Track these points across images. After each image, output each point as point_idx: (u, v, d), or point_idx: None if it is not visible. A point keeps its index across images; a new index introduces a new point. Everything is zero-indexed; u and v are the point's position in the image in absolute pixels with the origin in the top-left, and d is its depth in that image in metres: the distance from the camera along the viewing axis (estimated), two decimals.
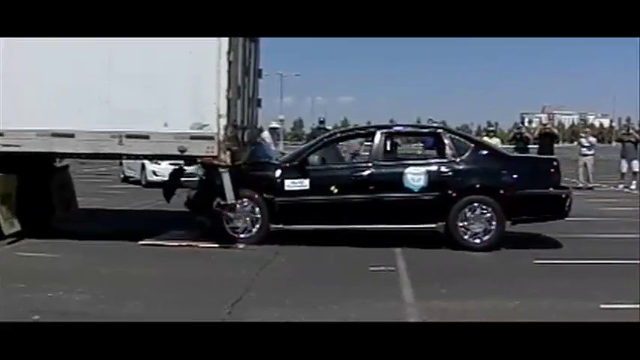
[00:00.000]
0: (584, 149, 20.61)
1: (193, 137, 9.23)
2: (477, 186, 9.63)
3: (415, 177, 9.63)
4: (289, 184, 9.72)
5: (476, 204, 9.51)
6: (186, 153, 9.33)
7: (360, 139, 14.22)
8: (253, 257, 8.74)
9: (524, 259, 8.90)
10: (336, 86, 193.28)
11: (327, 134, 11.30)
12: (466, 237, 9.49)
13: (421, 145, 10.23)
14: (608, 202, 16.28)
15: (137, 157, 10.06)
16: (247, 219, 9.68)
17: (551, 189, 9.74)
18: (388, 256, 8.98)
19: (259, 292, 7.01)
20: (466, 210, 9.49)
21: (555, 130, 23.56)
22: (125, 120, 9.18)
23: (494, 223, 9.46)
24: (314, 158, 10.27)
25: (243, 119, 10.42)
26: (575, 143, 25.84)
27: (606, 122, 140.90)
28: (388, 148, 10.10)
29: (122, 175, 20.55)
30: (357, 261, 8.70)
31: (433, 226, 9.64)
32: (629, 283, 7.40)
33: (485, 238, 9.49)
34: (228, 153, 9.27)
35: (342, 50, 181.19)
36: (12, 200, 9.75)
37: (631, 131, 21.66)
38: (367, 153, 10.27)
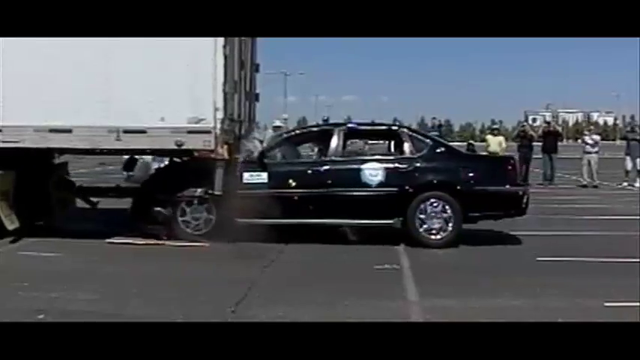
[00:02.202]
0: (588, 147, 20.59)
1: (190, 131, 9.25)
2: (434, 182, 9.71)
3: (373, 172, 9.69)
4: (247, 177, 9.72)
5: (433, 199, 9.56)
6: (183, 147, 9.35)
7: (365, 139, 14.26)
8: (257, 256, 8.72)
9: (527, 257, 8.89)
10: (339, 85, 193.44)
11: (286, 131, 11.32)
12: (423, 233, 9.54)
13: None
14: (612, 200, 16.26)
15: (135, 152, 10.04)
16: (205, 214, 9.71)
17: (507, 186, 9.79)
18: (392, 254, 8.98)
19: (263, 290, 7.01)
20: (423, 206, 9.54)
21: (559, 128, 23.57)
22: (122, 115, 9.22)
23: (451, 219, 9.51)
24: (274, 153, 10.20)
25: (240, 113, 10.46)
26: (579, 141, 25.82)
27: (610, 120, 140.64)
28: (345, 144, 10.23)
29: (125, 174, 20.47)
30: (361, 259, 8.70)
31: (390, 222, 9.65)
32: (633, 280, 7.37)
33: (443, 234, 9.53)
34: (225, 147, 9.31)
35: (345, 49, 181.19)
36: (10, 197, 9.77)
37: (636, 129, 21.62)
38: (325, 150, 10.29)
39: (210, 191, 9.45)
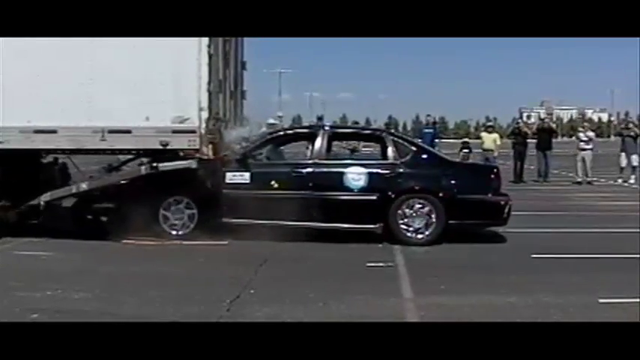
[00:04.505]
0: (583, 144, 20.60)
1: (175, 131, 9.27)
2: (417, 188, 9.69)
3: (355, 177, 9.68)
4: (230, 177, 9.73)
5: (415, 199, 9.57)
6: (168, 147, 9.35)
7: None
8: (251, 255, 8.72)
9: (522, 254, 8.89)
10: (334, 83, 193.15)
11: (270, 131, 11.31)
12: (407, 233, 9.54)
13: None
14: (606, 196, 16.29)
15: (121, 152, 10.02)
16: (185, 215, 9.75)
17: (490, 195, 9.78)
18: (387, 252, 9.00)
19: (258, 289, 7.00)
20: (405, 206, 9.54)
21: (553, 125, 23.58)
22: (107, 115, 9.25)
23: (433, 217, 9.50)
24: (257, 153, 10.17)
25: (226, 112, 10.45)
26: (574, 138, 25.84)
27: (605, 117, 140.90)
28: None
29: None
30: (355, 257, 8.69)
31: (372, 226, 9.65)
32: (628, 277, 7.39)
33: (427, 232, 9.53)
34: (210, 146, 9.32)
35: (340, 46, 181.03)
36: None
37: (630, 125, 21.65)
38: (309, 152, 10.30)
39: (154, 164, 9.45)
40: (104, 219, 10.02)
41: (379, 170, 9.84)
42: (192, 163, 9.43)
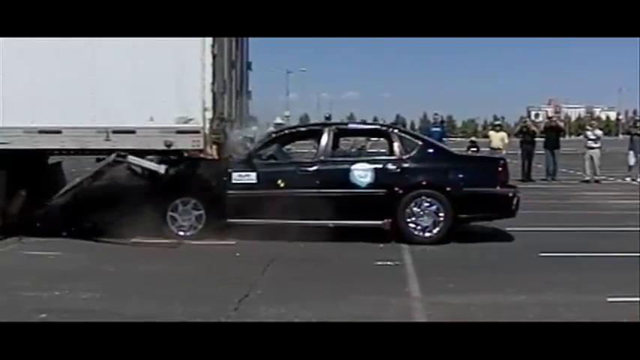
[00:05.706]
0: (590, 142, 20.53)
1: (179, 131, 9.29)
2: (424, 183, 9.67)
3: (362, 173, 9.67)
4: (236, 177, 9.74)
5: (423, 197, 9.55)
6: (172, 147, 9.37)
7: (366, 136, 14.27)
8: (258, 255, 8.72)
9: (530, 253, 8.87)
10: (340, 82, 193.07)
11: (275, 130, 11.28)
12: (415, 231, 9.51)
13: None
14: (614, 194, 16.24)
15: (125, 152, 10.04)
16: (192, 216, 9.77)
17: (498, 188, 9.74)
18: (394, 251, 8.98)
19: (265, 289, 7.00)
20: (413, 204, 9.53)
21: (561, 124, 23.50)
22: (111, 115, 9.28)
23: (441, 215, 9.48)
24: (263, 153, 10.14)
25: (231, 112, 10.44)
26: (582, 136, 25.76)
27: (613, 115, 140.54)
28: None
29: None
30: (362, 256, 8.69)
31: (379, 223, 9.62)
32: (635, 276, 7.36)
33: (435, 230, 9.51)
34: (214, 146, 9.33)
35: (347, 46, 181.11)
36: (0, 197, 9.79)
37: (638, 124, 21.56)
38: (314, 150, 10.27)
39: (123, 153, 9.47)
40: (104, 220, 9.97)
41: (385, 166, 9.82)
42: (160, 168, 9.45)
